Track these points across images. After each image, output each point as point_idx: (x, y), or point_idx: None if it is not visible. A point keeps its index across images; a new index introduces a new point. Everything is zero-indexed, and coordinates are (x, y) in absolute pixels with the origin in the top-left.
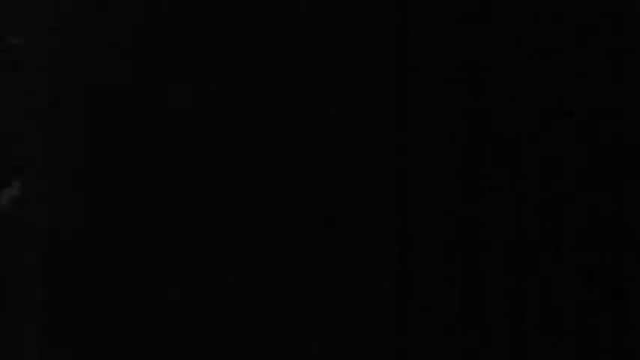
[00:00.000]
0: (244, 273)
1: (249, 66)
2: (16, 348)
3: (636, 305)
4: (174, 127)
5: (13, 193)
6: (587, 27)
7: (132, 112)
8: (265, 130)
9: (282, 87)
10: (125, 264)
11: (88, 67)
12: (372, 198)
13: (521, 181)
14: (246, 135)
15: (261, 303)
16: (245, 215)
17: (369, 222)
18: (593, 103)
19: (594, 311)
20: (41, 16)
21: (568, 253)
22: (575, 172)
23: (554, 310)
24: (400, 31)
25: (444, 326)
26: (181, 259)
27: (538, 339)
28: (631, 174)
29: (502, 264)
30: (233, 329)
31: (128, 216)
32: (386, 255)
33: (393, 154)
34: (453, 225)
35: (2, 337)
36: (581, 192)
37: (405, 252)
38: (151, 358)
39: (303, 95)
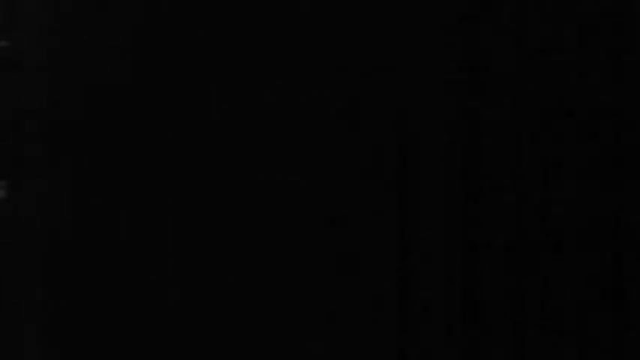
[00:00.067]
0: (244, 273)
1: (249, 66)
2: (16, 348)
3: (636, 305)
4: (174, 126)
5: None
6: (587, 27)
7: (132, 112)
8: (265, 130)
9: (282, 87)
10: (125, 264)
11: (88, 67)
12: (372, 198)
13: (521, 181)
14: (246, 135)
15: (261, 303)
16: (245, 215)
17: (369, 222)
18: (593, 103)
19: (594, 311)
20: (41, 16)
21: (568, 253)
22: (575, 172)
23: (554, 310)
24: (400, 30)
25: (444, 326)
26: (181, 259)
27: (538, 339)
28: (631, 174)
29: (502, 264)
30: (233, 329)
31: (128, 216)
32: (386, 255)
33: (393, 154)
34: (453, 225)
35: (2, 337)
36: (581, 192)
37: (405, 252)
38: (150, 358)
39: (303, 95)
